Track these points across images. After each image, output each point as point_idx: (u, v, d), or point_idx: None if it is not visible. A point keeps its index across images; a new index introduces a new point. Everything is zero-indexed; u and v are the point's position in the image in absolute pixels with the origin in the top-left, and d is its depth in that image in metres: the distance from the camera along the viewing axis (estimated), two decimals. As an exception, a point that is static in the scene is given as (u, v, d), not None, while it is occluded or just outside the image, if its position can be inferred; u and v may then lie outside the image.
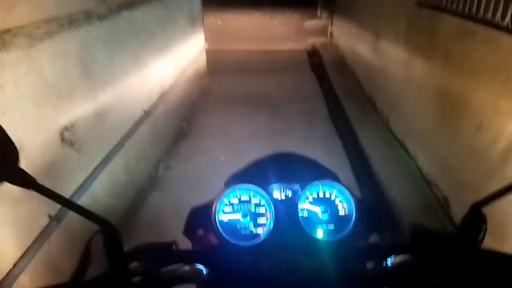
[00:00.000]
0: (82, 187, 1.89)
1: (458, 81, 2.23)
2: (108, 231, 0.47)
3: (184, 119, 3.97)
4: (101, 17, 2.11)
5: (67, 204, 0.43)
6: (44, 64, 1.60)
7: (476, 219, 0.52)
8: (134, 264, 0.53)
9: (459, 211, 2.16)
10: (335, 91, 4.73)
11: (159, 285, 0.53)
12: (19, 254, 1.44)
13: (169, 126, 3.54)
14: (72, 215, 0.45)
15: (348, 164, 3.20)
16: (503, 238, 1.67)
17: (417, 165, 2.81)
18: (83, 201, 1.87)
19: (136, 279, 0.50)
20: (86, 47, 1.95)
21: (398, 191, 2.63)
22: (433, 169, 2.57)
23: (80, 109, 1.90)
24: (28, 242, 1.49)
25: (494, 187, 0.51)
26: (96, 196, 2.03)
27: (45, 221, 1.59)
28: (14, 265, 1.41)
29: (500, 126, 1.78)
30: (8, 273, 1.37)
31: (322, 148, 3.35)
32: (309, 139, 3.61)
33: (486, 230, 0.52)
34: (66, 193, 1.77)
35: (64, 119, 1.76)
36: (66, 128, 1.77)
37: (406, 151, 3.04)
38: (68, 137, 1.79)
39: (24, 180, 0.42)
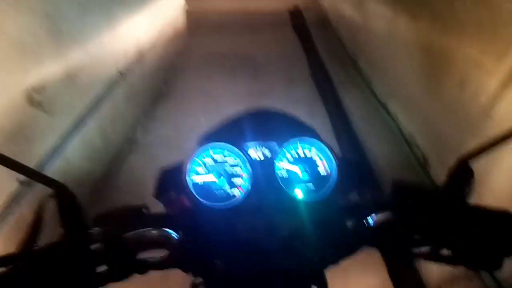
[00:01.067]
0: (56, 151, 1.81)
1: (442, 38, 2.17)
2: (62, 194, 0.42)
3: (162, 81, 3.85)
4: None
5: (8, 164, 0.38)
6: (4, 17, 1.47)
7: (463, 173, 0.49)
8: (95, 230, 0.49)
9: (439, 171, 2.17)
10: (318, 52, 4.64)
11: (124, 251, 0.49)
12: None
13: (146, 88, 3.42)
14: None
15: (330, 125, 3.18)
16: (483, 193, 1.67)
17: (398, 126, 2.80)
18: (57, 165, 1.80)
19: (97, 245, 0.46)
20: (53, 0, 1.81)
21: (379, 152, 2.64)
22: (414, 130, 2.57)
23: (49, 68, 1.79)
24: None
25: (474, 145, 0.48)
26: (71, 160, 1.96)
27: (14, 186, 1.52)
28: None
29: (482, 83, 1.76)
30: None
31: (303, 108, 3.31)
32: (290, 99, 3.56)
33: (473, 184, 0.49)
34: (37, 157, 1.69)
35: (31, 80, 1.66)
36: (34, 89, 1.67)
37: (388, 112, 3.02)
38: (37, 99, 1.69)
39: None
